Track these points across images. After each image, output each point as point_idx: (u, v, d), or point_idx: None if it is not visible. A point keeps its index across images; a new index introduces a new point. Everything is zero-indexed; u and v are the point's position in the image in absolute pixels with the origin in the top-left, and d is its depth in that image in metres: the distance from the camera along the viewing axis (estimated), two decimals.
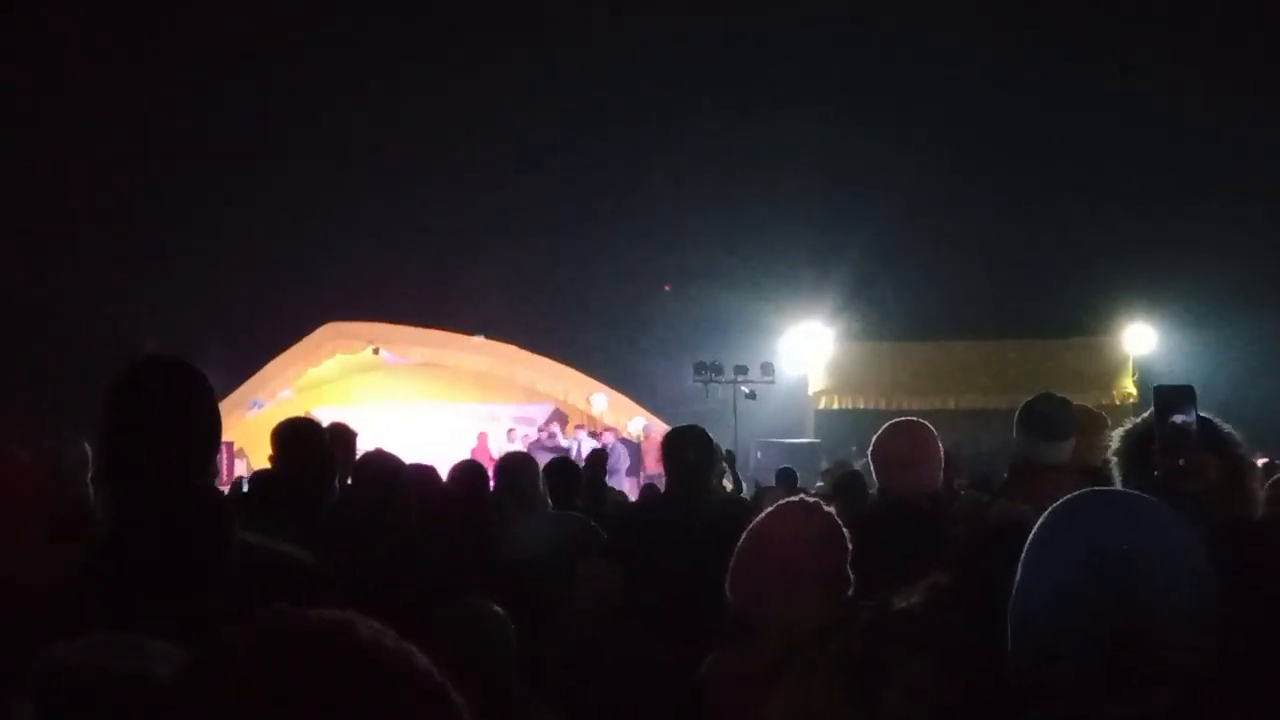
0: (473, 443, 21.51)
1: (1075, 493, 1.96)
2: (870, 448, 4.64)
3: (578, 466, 6.31)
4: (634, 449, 21.48)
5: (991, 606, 2.02)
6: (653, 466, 19.49)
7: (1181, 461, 2.56)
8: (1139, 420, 2.78)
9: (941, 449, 4.62)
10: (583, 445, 20.14)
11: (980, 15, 24.54)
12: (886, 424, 4.65)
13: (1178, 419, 2.58)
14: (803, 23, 25.14)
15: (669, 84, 25.40)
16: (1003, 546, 2.44)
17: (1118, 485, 2.76)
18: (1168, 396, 2.63)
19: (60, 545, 2.58)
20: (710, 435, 5.24)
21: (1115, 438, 2.88)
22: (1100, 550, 1.82)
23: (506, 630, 3.50)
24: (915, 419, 4.68)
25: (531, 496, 5.15)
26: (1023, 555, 1.92)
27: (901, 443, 4.52)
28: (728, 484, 9.08)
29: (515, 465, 5.44)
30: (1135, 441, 2.74)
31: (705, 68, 25.57)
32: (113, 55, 23.55)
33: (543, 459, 6.16)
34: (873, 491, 5.27)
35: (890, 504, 4.41)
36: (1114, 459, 2.85)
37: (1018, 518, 2.64)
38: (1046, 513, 1.94)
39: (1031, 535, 1.93)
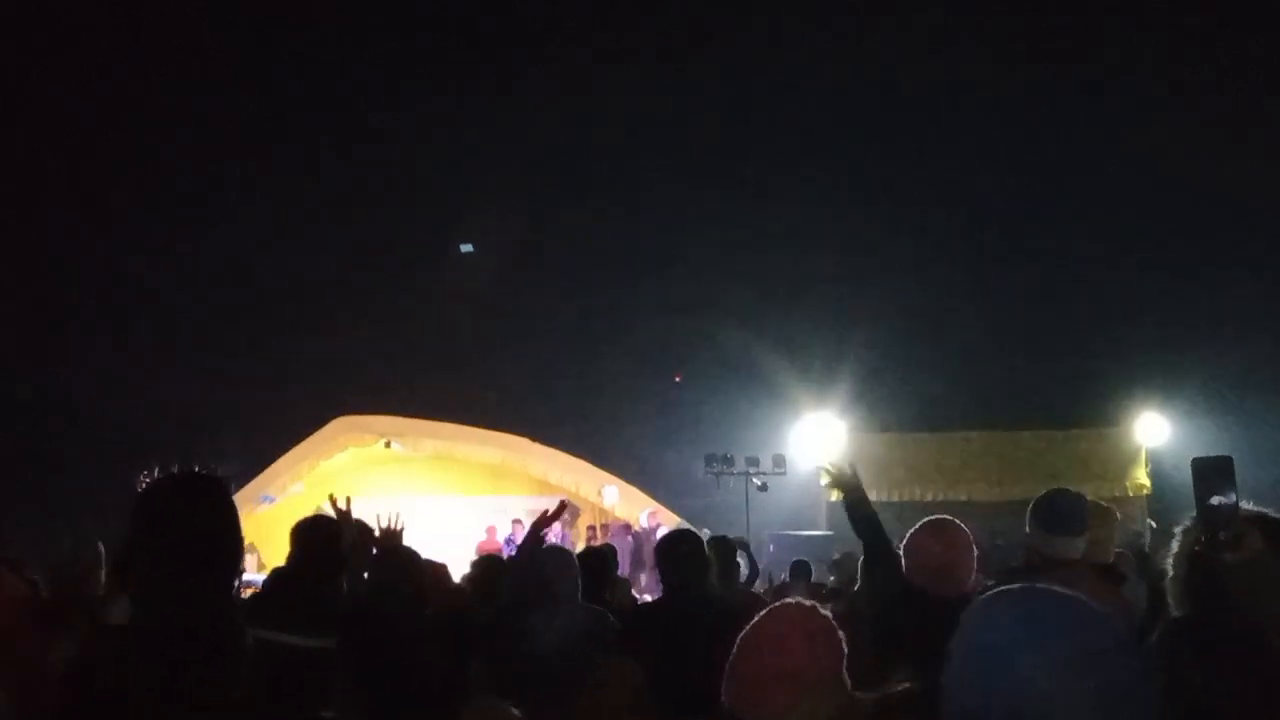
0: (482, 535, 21.45)
1: (995, 590, 1.97)
2: (903, 544, 4.61)
3: (607, 559, 6.34)
4: (640, 539, 21.39)
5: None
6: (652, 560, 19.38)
7: (1222, 535, 2.55)
8: (1189, 538, 2.74)
9: (974, 548, 4.58)
10: (515, 539, 20.14)
11: (986, 110, 24.84)
12: (921, 521, 4.62)
13: (1216, 499, 2.56)
14: (810, 117, 25.47)
15: (677, 179, 25.64)
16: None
17: (1172, 589, 2.75)
18: (1206, 468, 2.60)
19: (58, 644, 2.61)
20: (701, 539, 5.30)
21: (1169, 562, 2.85)
22: (988, 651, 1.82)
23: None
24: (949, 518, 4.65)
25: (558, 589, 5.17)
26: (952, 646, 1.93)
27: (936, 543, 4.48)
28: (741, 564, 9.01)
29: (543, 558, 5.47)
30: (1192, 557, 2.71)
31: (714, 163, 25.84)
32: (127, 137, 23.87)
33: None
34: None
35: (919, 599, 4.36)
36: (1174, 560, 2.82)
37: None
38: (967, 611, 1.95)
39: (959, 629, 1.94)
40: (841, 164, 25.27)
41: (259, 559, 19.20)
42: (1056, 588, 1.98)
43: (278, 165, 24.93)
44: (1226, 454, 2.68)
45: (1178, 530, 2.85)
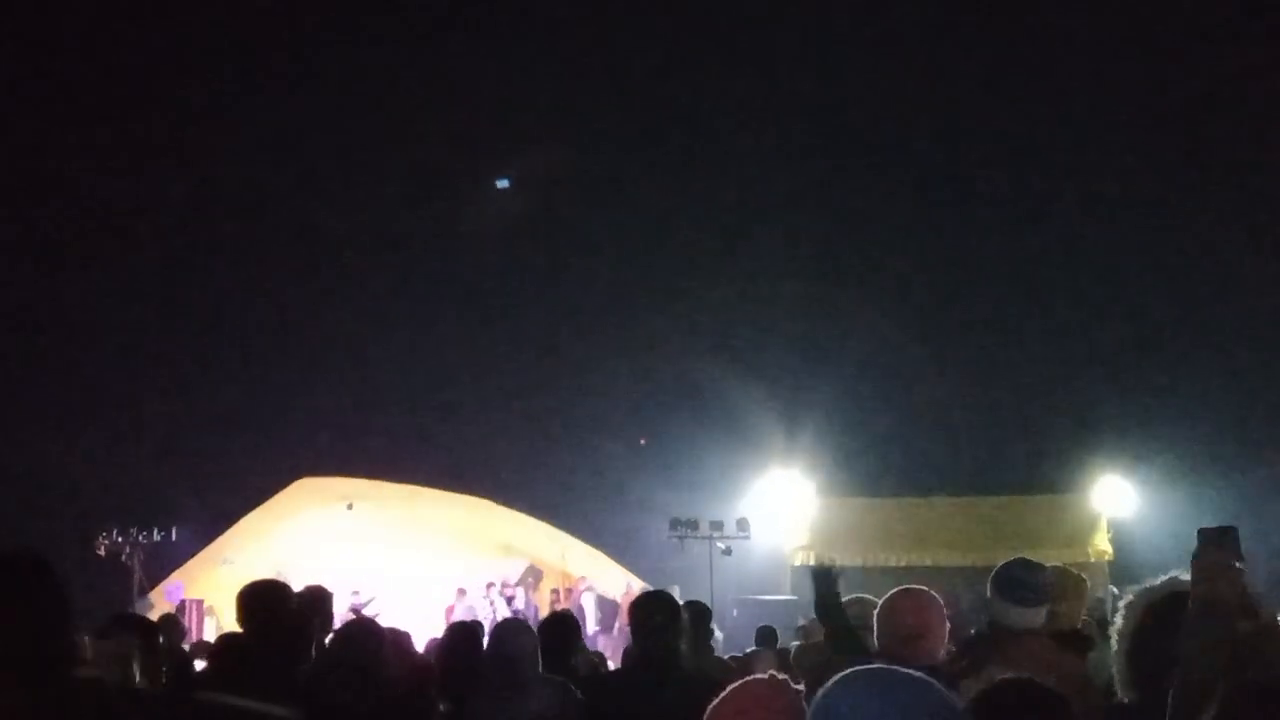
0: (449, 599, 21.34)
1: (841, 676, 2.04)
2: (876, 612, 4.61)
3: (573, 624, 6.27)
4: (609, 605, 21.32)
5: None
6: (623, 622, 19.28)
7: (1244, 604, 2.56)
8: (1148, 595, 2.74)
9: (946, 620, 4.59)
10: (496, 608, 20.20)
11: (947, 170, 25.08)
12: (897, 589, 4.63)
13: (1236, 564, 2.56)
14: (771, 180, 25.58)
15: (644, 240, 25.73)
16: (993, 712, 2.46)
17: (1118, 666, 2.75)
18: (1213, 539, 2.60)
19: None
20: (678, 601, 5.22)
21: (1120, 614, 2.85)
22: None
23: None
24: (922, 586, 4.66)
25: (520, 663, 5.07)
26: None
27: (908, 612, 4.47)
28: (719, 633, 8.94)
29: (505, 631, 5.40)
30: (1147, 619, 2.70)
31: (677, 223, 25.91)
32: (79, 202, 23.75)
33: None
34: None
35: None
36: (1119, 637, 2.82)
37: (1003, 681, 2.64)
38: (827, 685, 2.03)
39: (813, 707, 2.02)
40: (808, 224, 25.43)
41: (218, 623, 19.01)
42: (899, 669, 2.07)
43: (228, 211, 24.75)
44: (1232, 525, 2.70)
45: (1122, 604, 2.86)
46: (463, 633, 5.75)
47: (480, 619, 16.50)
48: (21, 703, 2.48)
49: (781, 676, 2.73)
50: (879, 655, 4.46)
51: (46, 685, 2.53)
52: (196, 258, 24.75)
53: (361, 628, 5.11)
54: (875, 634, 4.57)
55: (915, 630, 4.43)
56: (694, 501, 22.77)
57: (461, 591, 21.70)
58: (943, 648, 4.53)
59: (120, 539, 20.92)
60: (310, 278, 24.69)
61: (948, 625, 4.56)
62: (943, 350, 24.79)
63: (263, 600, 4.86)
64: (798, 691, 2.67)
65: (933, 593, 4.59)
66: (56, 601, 2.64)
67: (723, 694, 2.68)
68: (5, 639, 2.57)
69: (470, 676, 5.16)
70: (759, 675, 2.74)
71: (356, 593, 18.90)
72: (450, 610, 20.34)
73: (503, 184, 25.24)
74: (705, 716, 2.65)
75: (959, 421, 24.14)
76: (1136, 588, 2.83)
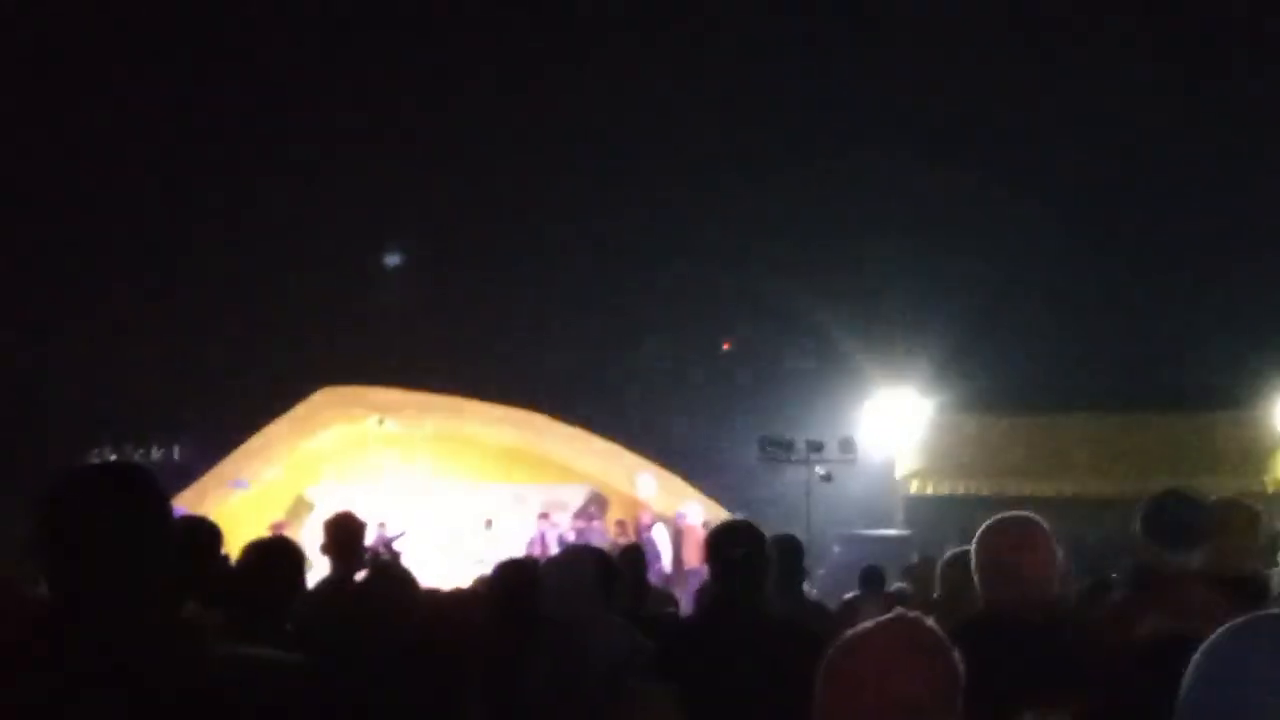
0: (495, 529, 21.64)
1: (1258, 614, 2.00)
2: (972, 548, 4.58)
3: (642, 559, 6.34)
4: (685, 538, 21.50)
5: None
6: (693, 560, 19.41)
7: None
8: None
9: (1058, 551, 4.54)
10: (549, 541, 20.42)
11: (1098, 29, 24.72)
12: (991, 520, 4.57)
13: None
14: (896, 65, 25.35)
15: (726, 106, 25.58)
16: (1162, 667, 2.45)
17: None
18: None
19: None
20: (763, 532, 5.20)
21: None
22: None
23: None
24: (1026, 514, 4.60)
25: (578, 598, 5.08)
26: (1193, 683, 1.97)
27: (1009, 544, 4.42)
28: (808, 587, 8.92)
29: (562, 561, 5.46)
30: None
31: (771, 93, 25.73)
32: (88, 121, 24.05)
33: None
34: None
35: (994, 618, 4.32)
36: None
37: (1174, 634, 2.61)
38: (1218, 635, 1.99)
39: (1202, 660, 1.98)
40: (928, 113, 25.17)
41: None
42: None
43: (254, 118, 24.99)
44: None
45: None
46: (514, 571, 5.80)
47: (535, 554, 16.79)
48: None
49: (929, 621, 2.57)
50: (979, 603, 4.41)
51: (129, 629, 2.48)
52: (197, 139, 24.91)
53: (388, 576, 5.20)
54: (975, 576, 4.49)
55: (1020, 564, 4.35)
56: (790, 418, 22.76)
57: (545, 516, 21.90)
58: (1054, 584, 4.45)
59: (114, 458, 21.27)
60: (332, 156, 24.74)
61: (1059, 555, 4.49)
62: (1088, 234, 24.46)
63: (263, 559, 5.08)
64: (939, 631, 2.50)
65: (1039, 520, 4.51)
66: (128, 529, 2.58)
67: (843, 643, 2.53)
68: (68, 574, 2.52)
69: (523, 621, 5.21)
70: (891, 618, 2.56)
71: (383, 525, 19.17)
72: (533, 542, 20.58)
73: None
74: (827, 669, 2.51)
75: (1107, 320, 23.89)
76: None
